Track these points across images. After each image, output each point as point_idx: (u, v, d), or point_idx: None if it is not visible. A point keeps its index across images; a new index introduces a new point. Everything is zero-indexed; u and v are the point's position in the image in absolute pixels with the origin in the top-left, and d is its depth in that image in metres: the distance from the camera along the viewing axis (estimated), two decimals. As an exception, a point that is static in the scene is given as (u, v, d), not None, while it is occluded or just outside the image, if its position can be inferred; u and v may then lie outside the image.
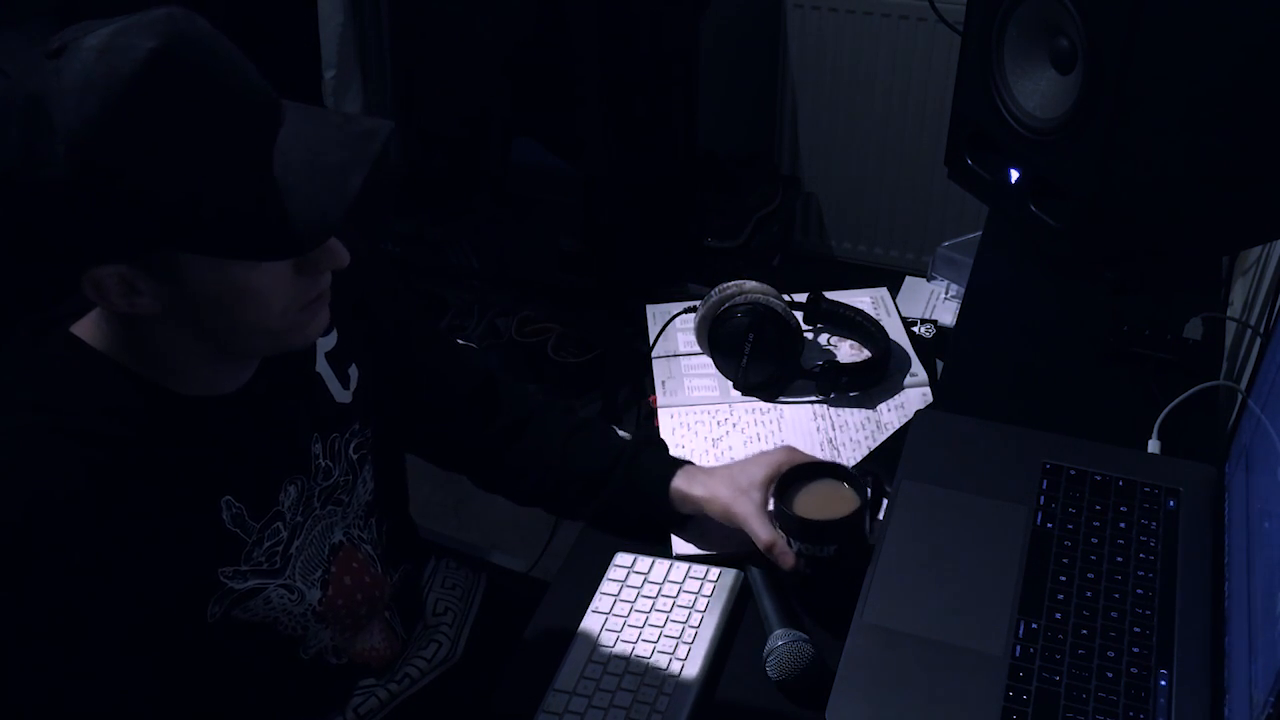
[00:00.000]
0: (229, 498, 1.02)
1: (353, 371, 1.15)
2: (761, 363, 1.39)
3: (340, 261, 0.96)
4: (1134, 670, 1.01)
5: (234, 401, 1.02)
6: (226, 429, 1.02)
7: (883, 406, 1.40)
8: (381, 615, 1.21)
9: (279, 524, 1.06)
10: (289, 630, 1.10)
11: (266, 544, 1.05)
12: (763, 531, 1.14)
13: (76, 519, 0.91)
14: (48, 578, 0.91)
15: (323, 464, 1.11)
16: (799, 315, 1.47)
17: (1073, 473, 1.19)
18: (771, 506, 1.15)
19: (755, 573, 1.16)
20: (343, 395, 1.13)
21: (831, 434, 1.36)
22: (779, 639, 1.07)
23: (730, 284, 1.41)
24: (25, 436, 0.92)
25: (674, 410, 1.41)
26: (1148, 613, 1.05)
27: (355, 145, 0.91)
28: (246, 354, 1.02)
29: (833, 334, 1.51)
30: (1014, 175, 1.46)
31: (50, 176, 0.81)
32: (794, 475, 1.16)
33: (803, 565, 1.12)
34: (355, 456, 1.15)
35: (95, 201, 0.83)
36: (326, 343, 1.13)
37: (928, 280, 1.98)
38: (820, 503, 1.14)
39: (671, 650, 1.09)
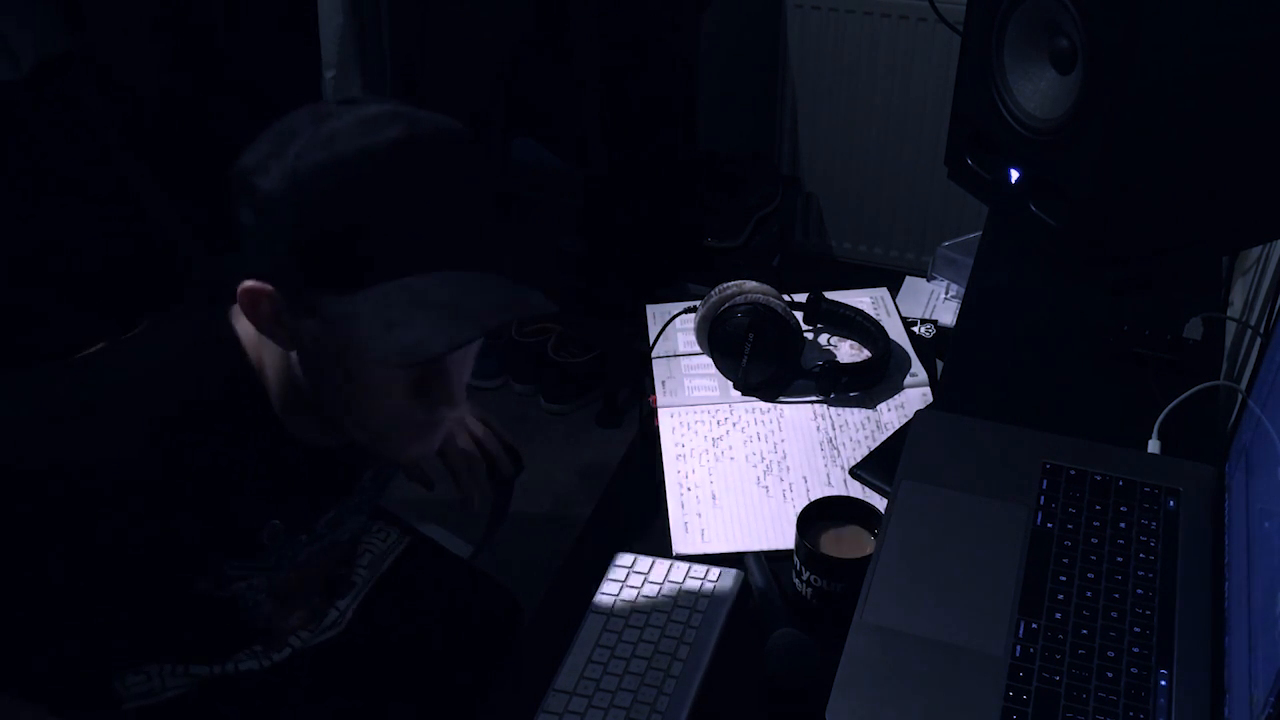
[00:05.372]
0: (276, 521, 1.06)
1: None
2: (761, 363, 1.39)
3: (453, 407, 0.98)
4: (1134, 670, 1.01)
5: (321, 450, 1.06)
6: (300, 467, 1.06)
7: (883, 406, 1.40)
8: (314, 596, 1.24)
9: (304, 536, 1.10)
10: (244, 601, 1.12)
11: (286, 550, 1.09)
12: None
13: (132, 484, 0.95)
14: (87, 521, 0.94)
15: (369, 487, 1.16)
16: (799, 315, 1.47)
17: (1073, 473, 1.19)
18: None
19: (755, 572, 1.16)
20: None
21: (831, 434, 1.36)
22: (779, 639, 1.07)
23: (730, 284, 1.41)
24: (122, 393, 0.98)
25: (674, 410, 1.41)
26: (1148, 613, 1.05)
27: (506, 304, 0.92)
28: (347, 437, 1.04)
29: (833, 334, 1.51)
30: (1014, 175, 1.46)
31: (258, 185, 0.90)
32: (828, 506, 1.16)
33: (810, 595, 1.12)
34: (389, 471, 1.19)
35: (275, 224, 0.90)
36: None
37: (928, 280, 1.99)
38: (842, 540, 1.14)
39: (671, 650, 1.09)
